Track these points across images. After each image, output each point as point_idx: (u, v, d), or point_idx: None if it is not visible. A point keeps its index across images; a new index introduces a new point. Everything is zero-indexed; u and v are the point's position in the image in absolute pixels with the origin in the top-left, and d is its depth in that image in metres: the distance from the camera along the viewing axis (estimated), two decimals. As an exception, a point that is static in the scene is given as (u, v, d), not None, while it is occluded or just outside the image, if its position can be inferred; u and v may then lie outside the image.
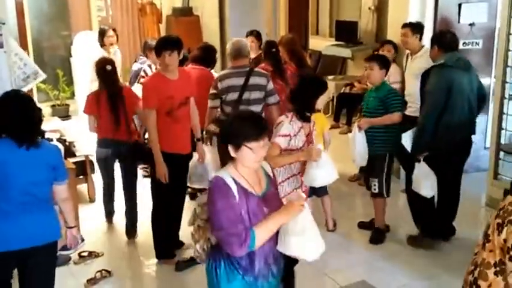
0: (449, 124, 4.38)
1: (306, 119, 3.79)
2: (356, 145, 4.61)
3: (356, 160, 4.74)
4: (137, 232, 5.03)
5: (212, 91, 4.82)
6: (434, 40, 4.73)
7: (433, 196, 4.59)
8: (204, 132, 4.88)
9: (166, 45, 4.22)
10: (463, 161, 4.71)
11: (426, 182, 4.47)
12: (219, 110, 4.82)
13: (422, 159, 4.44)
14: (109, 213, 5.36)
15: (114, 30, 6.96)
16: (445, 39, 4.64)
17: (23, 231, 3.09)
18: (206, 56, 5.50)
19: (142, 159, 5.07)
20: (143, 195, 5.36)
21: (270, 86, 4.83)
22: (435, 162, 4.44)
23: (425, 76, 4.54)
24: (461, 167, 4.71)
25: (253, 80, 4.74)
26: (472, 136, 4.67)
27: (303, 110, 3.76)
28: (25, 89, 5.18)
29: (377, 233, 4.88)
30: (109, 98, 4.81)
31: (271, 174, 2.72)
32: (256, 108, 4.75)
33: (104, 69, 4.83)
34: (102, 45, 6.71)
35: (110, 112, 4.81)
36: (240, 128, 2.45)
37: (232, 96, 4.74)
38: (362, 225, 5.11)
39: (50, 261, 3.26)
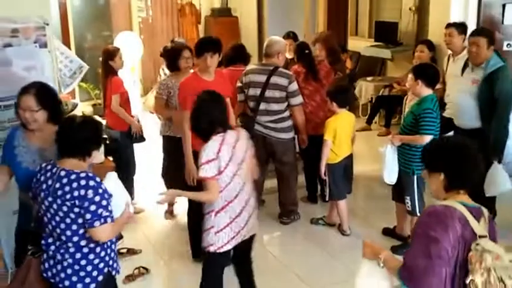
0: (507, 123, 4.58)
1: None
2: (385, 160, 4.46)
3: (384, 176, 4.53)
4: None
5: (238, 84, 4.91)
6: (488, 37, 4.54)
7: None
8: None
9: (208, 46, 4.14)
10: None
11: (504, 179, 4.50)
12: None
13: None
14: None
15: (191, 50, 4.89)
16: (494, 35, 4.69)
17: None
18: (239, 54, 5.45)
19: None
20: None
21: (293, 87, 4.81)
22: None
23: (489, 80, 4.48)
24: None
25: (274, 80, 4.77)
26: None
27: None
28: (73, 85, 5.49)
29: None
30: (102, 86, 5.43)
31: None
32: (276, 107, 4.81)
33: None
34: (174, 69, 5.01)
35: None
36: None
37: (253, 91, 4.81)
38: (386, 232, 4.92)
39: None
